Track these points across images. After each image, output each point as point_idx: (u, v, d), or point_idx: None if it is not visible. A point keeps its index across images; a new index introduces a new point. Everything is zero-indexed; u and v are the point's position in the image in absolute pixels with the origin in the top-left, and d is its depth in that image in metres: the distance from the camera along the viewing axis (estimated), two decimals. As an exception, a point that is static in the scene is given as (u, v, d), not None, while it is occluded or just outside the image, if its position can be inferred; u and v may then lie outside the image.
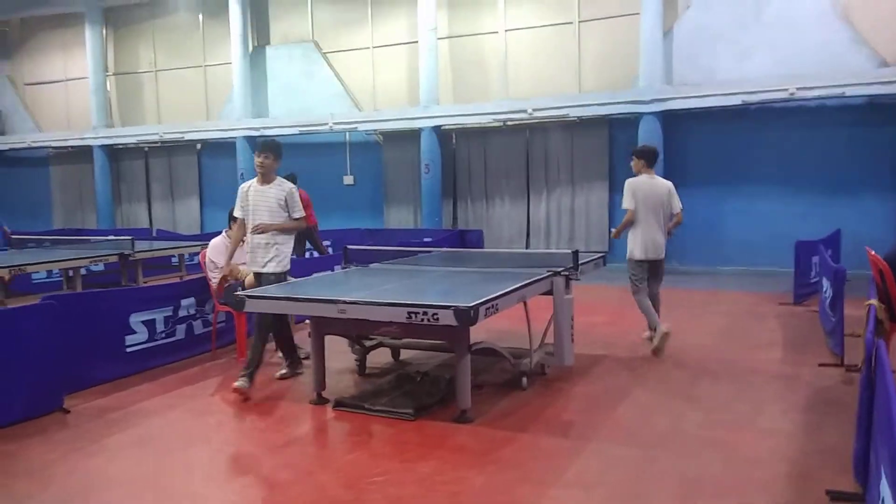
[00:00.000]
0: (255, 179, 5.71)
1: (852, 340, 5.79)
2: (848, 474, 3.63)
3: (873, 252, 5.36)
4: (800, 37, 11.46)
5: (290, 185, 5.74)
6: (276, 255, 5.66)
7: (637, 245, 6.71)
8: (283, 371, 5.95)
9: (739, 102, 11.60)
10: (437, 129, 14.13)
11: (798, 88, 11.10)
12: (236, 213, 5.84)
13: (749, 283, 10.68)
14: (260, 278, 5.70)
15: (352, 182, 15.86)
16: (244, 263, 6.82)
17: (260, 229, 5.60)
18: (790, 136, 11.85)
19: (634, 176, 6.88)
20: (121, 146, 18.03)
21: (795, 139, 11.82)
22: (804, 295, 8.80)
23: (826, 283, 7.08)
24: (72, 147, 18.43)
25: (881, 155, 11.35)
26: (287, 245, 5.76)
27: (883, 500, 2.52)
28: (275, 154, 5.65)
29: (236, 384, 5.32)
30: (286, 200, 5.65)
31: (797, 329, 7.42)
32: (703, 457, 4.07)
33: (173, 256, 10.06)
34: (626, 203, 6.78)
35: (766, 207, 12.03)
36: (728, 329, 7.61)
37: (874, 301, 4.64)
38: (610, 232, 7.09)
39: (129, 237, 9.14)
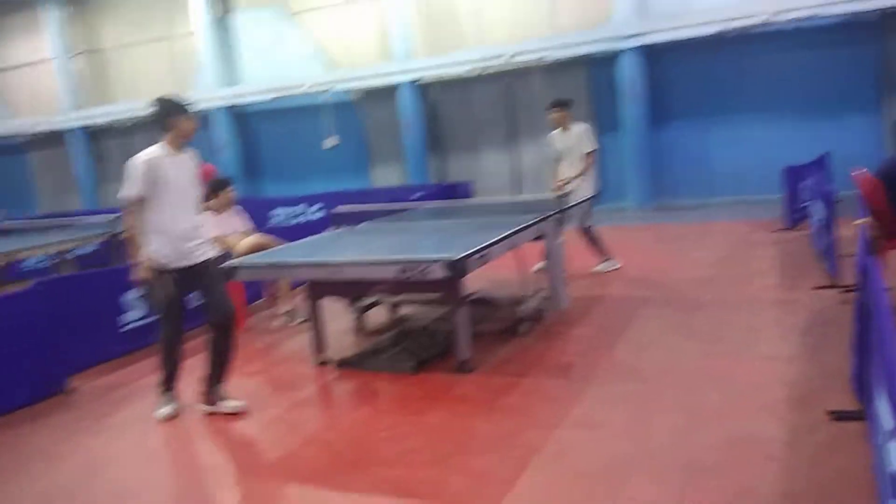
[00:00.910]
0: (160, 148, 4.28)
1: (846, 261, 5.81)
2: (848, 393, 3.68)
3: (859, 172, 5.33)
4: (774, -42, 11.25)
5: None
6: (205, 237, 4.57)
7: (595, 182, 7.40)
8: (167, 409, 4.46)
9: (717, 31, 11.43)
10: (414, 82, 13.91)
11: (774, 13, 10.94)
12: (134, 192, 4.18)
13: (741, 212, 10.69)
14: (192, 271, 4.38)
15: (334, 143, 15.64)
16: (237, 233, 6.78)
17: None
18: (771, 62, 11.73)
19: (555, 128, 7.46)
20: (97, 126, 17.72)
21: (777, 64, 11.70)
22: (796, 220, 8.82)
23: (816, 206, 7.08)
24: (48, 131, 18.11)
25: (863, 72, 11.27)
26: None
27: (881, 418, 2.55)
28: None
29: (162, 412, 4.43)
30: (195, 173, 4.53)
31: (791, 254, 7.44)
32: (704, 387, 4.11)
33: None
34: (594, 145, 7.34)
35: (753, 135, 11.97)
36: (723, 259, 7.64)
37: (864, 220, 4.63)
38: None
39: (114, 216, 9.02)
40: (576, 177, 7.28)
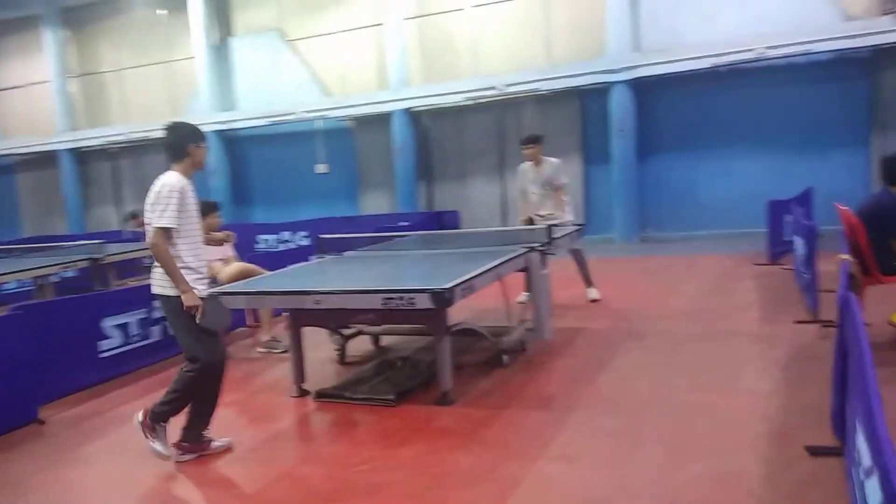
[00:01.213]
0: (182, 175, 4.02)
1: (827, 296, 5.83)
2: (827, 429, 3.66)
3: (843, 207, 5.39)
4: (764, -6, 11.49)
5: None
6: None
7: (575, 211, 7.86)
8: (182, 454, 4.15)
9: (709, 65, 11.60)
10: (408, 111, 14.02)
11: (766, 47, 11.13)
12: (173, 223, 3.90)
13: (725, 245, 10.76)
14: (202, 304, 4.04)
15: (325, 170, 15.72)
16: (220, 259, 6.74)
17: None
18: (761, 96, 11.89)
19: (524, 162, 7.64)
20: (87, 149, 17.73)
21: (766, 98, 11.86)
22: (779, 254, 8.88)
23: (799, 241, 7.13)
24: (38, 153, 18.10)
25: (851, 108, 11.43)
26: None
27: (860, 453, 2.53)
28: None
29: (179, 458, 4.14)
30: None
31: (773, 288, 7.47)
32: (685, 421, 4.09)
33: (145, 258, 9.89)
34: (566, 179, 7.68)
35: (740, 169, 12.09)
36: (706, 292, 7.66)
37: (846, 256, 4.66)
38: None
39: (100, 241, 8.97)
40: (555, 212, 7.42)
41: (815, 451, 3.46)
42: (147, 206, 3.99)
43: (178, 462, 4.08)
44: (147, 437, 4.02)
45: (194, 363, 4.04)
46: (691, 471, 3.46)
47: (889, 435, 1.99)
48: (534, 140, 7.52)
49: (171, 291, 3.97)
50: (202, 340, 4.03)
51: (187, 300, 3.93)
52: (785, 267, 8.37)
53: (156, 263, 3.99)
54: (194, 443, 4.14)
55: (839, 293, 3.66)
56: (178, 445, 4.12)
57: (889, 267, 5.10)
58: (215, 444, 4.21)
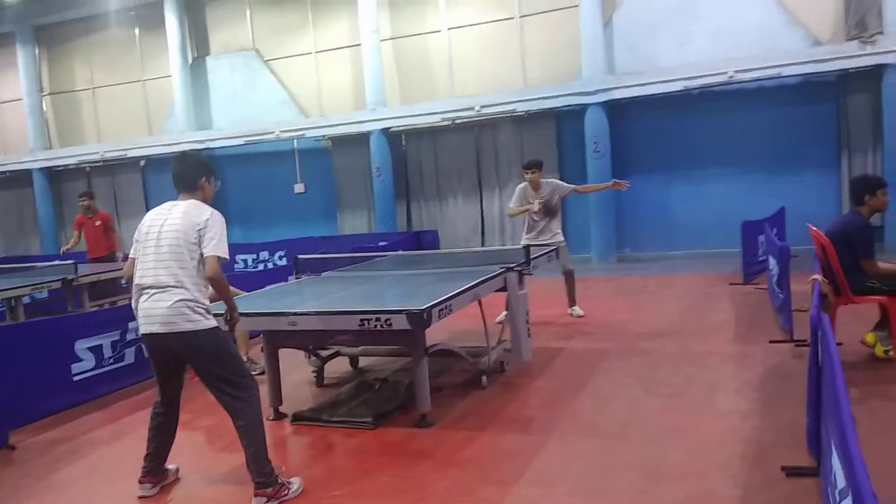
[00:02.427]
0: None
1: (800, 316, 5.92)
2: (802, 449, 3.70)
3: (815, 228, 5.49)
4: (736, 21, 11.75)
5: None
6: None
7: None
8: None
9: (681, 88, 11.81)
10: (385, 131, 14.06)
11: (736, 71, 11.36)
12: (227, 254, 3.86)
13: (700, 265, 10.88)
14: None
15: (302, 190, 15.68)
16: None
17: None
18: (732, 119, 12.11)
19: (523, 183, 7.87)
20: (61, 167, 17.51)
21: (737, 121, 12.08)
22: (753, 273, 9.00)
23: (773, 262, 7.23)
24: (10, 172, 17.83)
25: (819, 131, 11.69)
26: None
27: (835, 474, 2.56)
28: None
29: (149, 493, 3.93)
30: None
31: (748, 308, 7.56)
32: (662, 443, 4.10)
33: (121, 278, 9.76)
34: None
35: (713, 190, 12.27)
36: (682, 312, 7.72)
37: (818, 276, 4.74)
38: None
39: (73, 262, 8.82)
40: (553, 232, 7.67)
41: (791, 472, 3.49)
42: (178, 232, 3.70)
43: (144, 497, 3.92)
44: (284, 497, 3.72)
45: (241, 389, 3.76)
46: (668, 494, 3.47)
47: (862, 456, 2.01)
48: (537, 165, 7.73)
49: (210, 323, 3.71)
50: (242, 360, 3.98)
51: (236, 315, 3.98)
52: (759, 286, 8.48)
53: (170, 300, 3.61)
54: (159, 475, 4.01)
55: (811, 313, 3.71)
56: (146, 480, 3.95)
57: (860, 287, 5.19)
58: (170, 468, 4.11)
